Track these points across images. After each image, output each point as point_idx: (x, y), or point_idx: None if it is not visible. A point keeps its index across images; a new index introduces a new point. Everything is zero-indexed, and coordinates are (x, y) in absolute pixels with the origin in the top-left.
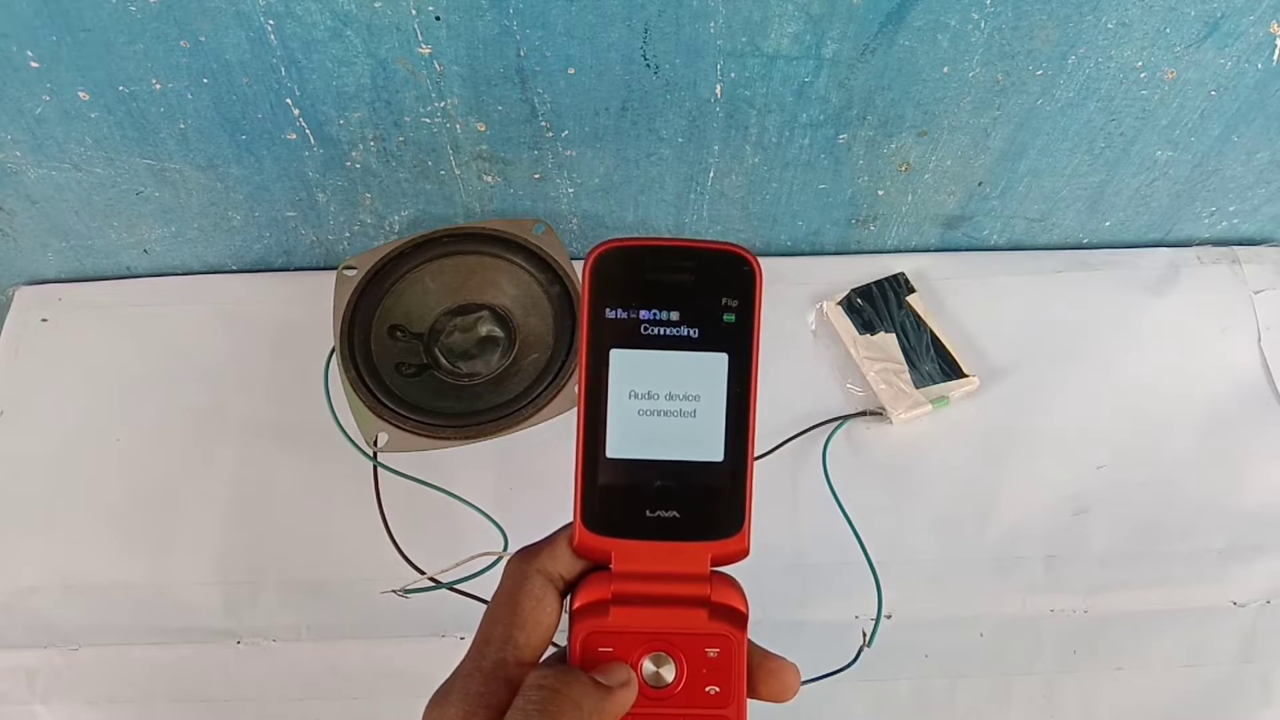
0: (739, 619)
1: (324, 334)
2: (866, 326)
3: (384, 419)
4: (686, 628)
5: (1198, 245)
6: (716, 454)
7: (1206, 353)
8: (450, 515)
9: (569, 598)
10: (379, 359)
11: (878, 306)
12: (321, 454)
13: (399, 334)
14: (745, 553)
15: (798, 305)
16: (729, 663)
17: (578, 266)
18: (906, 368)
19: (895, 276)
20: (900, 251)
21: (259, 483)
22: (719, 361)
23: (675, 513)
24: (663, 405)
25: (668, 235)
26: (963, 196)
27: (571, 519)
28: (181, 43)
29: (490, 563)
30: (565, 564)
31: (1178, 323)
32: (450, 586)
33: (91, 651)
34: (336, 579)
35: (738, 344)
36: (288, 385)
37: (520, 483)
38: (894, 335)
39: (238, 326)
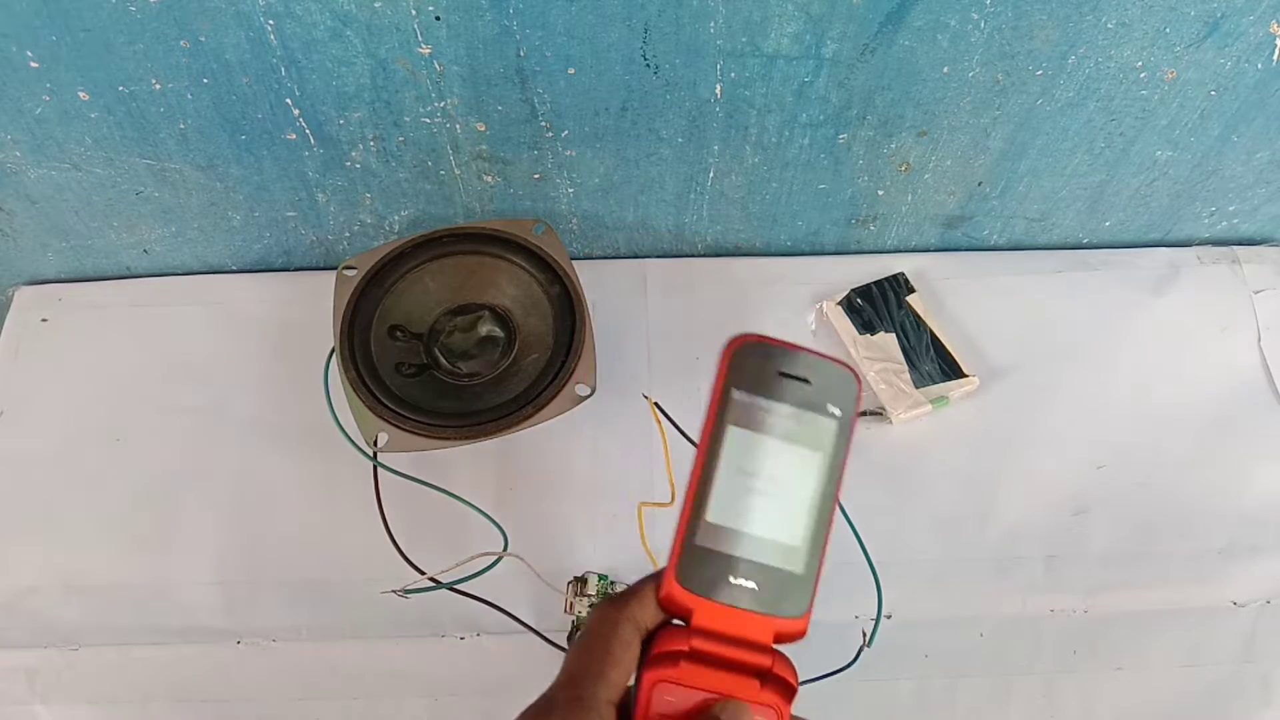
0: (788, 692)
1: (324, 334)
2: (866, 326)
3: (384, 419)
4: (742, 693)
5: (1198, 245)
6: (797, 539)
7: (1206, 353)
8: (450, 515)
9: (645, 643)
10: (379, 359)
11: (878, 306)
12: (321, 454)
13: (399, 334)
14: (804, 634)
15: (797, 305)
16: None
17: (578, 266)
18: (906, 368)
19: (895, 276)
20: (900, 251)
21: (259, 483)
22: (817, 459)
23: (754, 584)
24: (762, 485)
25: (790, 339)
26: (963, 196)
27: (659, 570)
28: (181, 43)
29: (490, 563)
30: (650, 615)
31: (1178, 323)
32: (450, 587)
33: (92, 651)
34: (336, 579)
35: (835, 447)
36: (288, 385)
37: (520, 483)
38: (894, 335)
39: (238, 326)
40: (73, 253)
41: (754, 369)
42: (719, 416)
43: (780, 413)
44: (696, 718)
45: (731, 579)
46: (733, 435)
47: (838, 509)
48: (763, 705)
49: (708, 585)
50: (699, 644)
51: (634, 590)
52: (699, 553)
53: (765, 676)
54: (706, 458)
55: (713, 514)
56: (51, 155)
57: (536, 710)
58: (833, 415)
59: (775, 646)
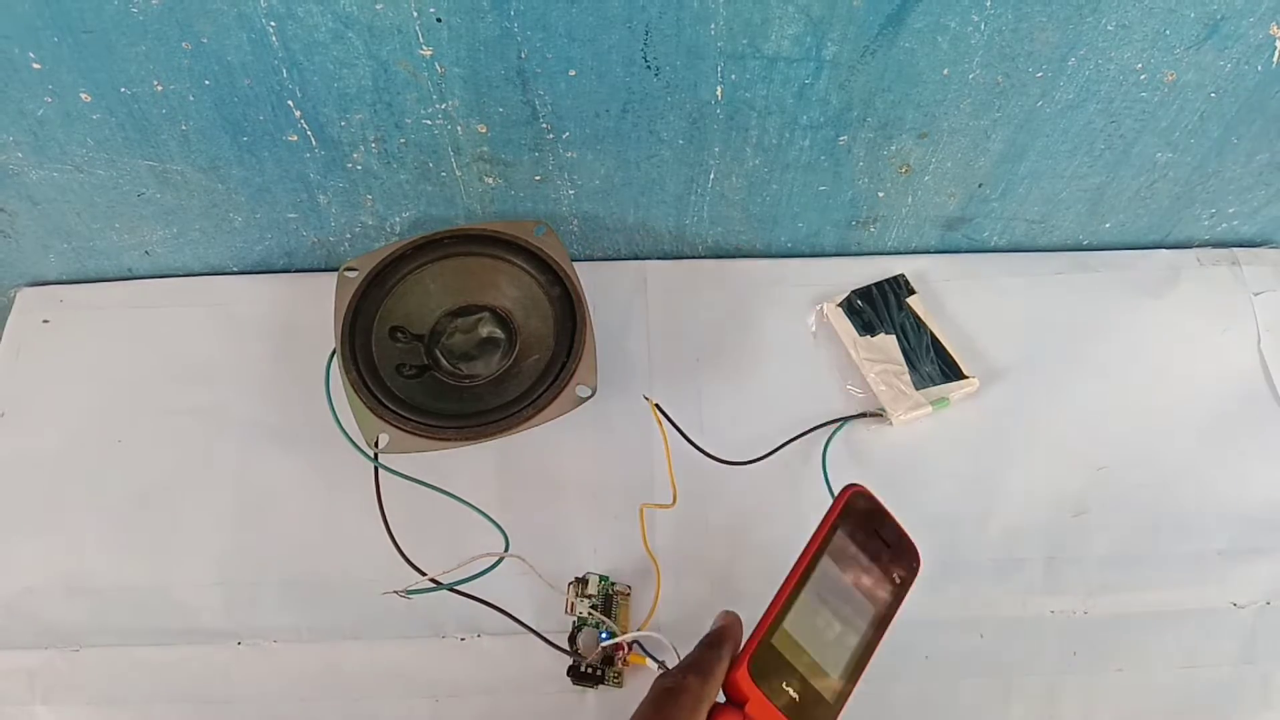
0: None
1: (325, 335)
2: (866, 328)
3: (385, 420)
4: None
5: (1197, 247)
6: (838, 670)
7: (1206, 354)
8: (451, 516)
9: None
10: (380, 360)
11: (878, 308)
12: (322, 455)
13: (400, 335)
14: None
15: (798, 307)
16: None
17: (578, 268)
18: (906, 369)
19: (895, 278)
20: (900, 253)
21: (260, 483)
22: (873, 612)
23: (796, 696)
24: (829, 617)
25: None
26: (963, 198)
27: (723, 652)
28: (183, 44)
29: (491, 563)
30: (715, 688)
31: (1178, 324)
32: (451, 588)
33: (92, 652)
34: (336, 579)
35: (889, 608)
36: (289, 386)
37: (521, 484)
38: (894, 337)
39: (239, 328)
40: (74, 254)
41: (858, 519)
42: (823, 545)
43: (862, 562)
44: None
45: (784, 684)
46: (824, 566)
47: (873, 654)
48: None
49: (767, 683)
50: None
51: (711, 670)
52: (770, 653)
53: None
54: (801, 575)
55: (790, 624)
56: (53, 157)
57: None
58: (896, 581)
59: None
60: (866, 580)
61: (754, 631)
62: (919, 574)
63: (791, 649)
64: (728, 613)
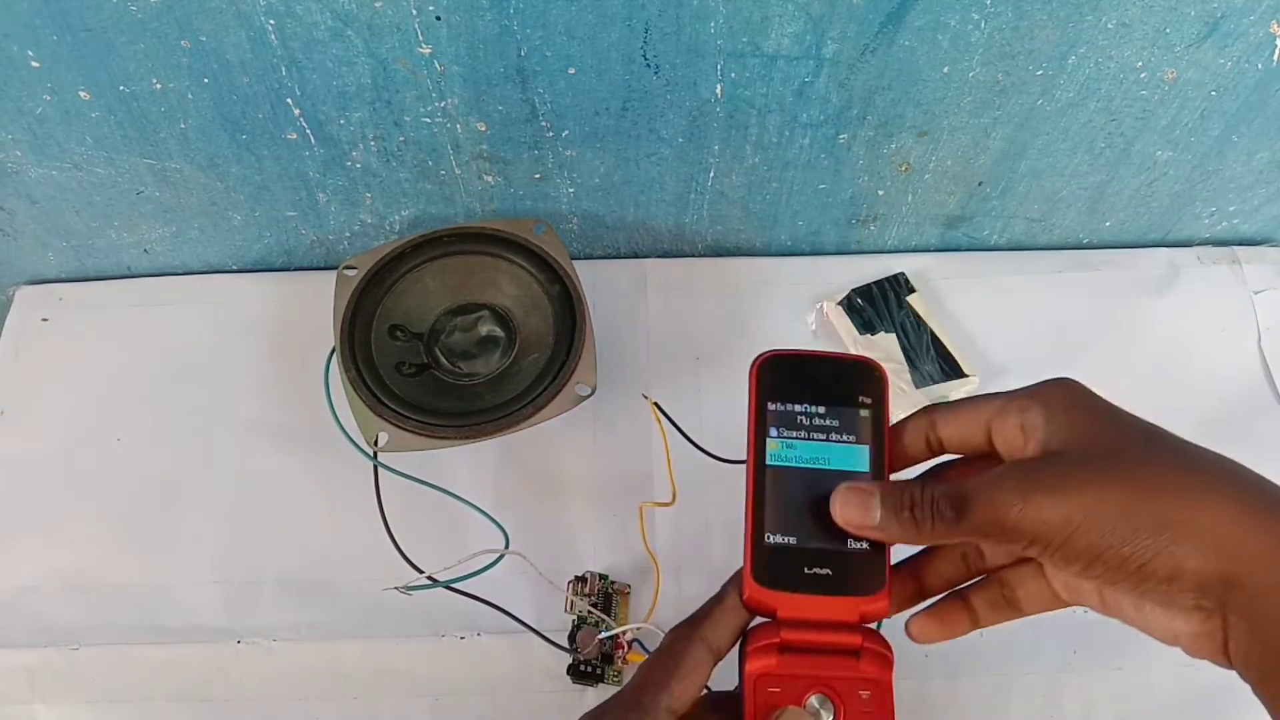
0: (885, 663)
1: (324, 334)
2: (867, 327)
3: (384, 419)
4: (842, 672)
5: (1198, 245)
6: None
7: (1206, 353)
8: (451, 515)
9: (740, 644)
10: (379, 359)
11: (878, 306)
12: (322, 454)
13: (399, 334)
14: (886, 611)
15: (798, 305)
16: (880, 702)
17: (578, 266)
18: (907, 368)
19: (895, 276)
20: (900, 251)
21: (259, 482)
22: (861, 448)
23: (828, 570)
24: (813, 481)
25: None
26: (963, 196)
27: (724, 591)
28: (182, 43)
29: (491, 561)
30: (723, 636)
31: (1178, 323)
32: (450, 585)
33: (92, 651)
34: (336, 579)
35: (875, 432)
36: (288, 385)
37: (520, 482)
38: (894, 335)
39: (238, 326)
40: (73, 252)
41: (781, 380)
42: (759, 427)
43: (815, 413)
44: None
45: (805, 570)
46: (777, 441)
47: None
48: (863, 679)
49: (784, 580)
50: (789, 635)
51: (707, 613)
52: (769, 552)
53: (859, 654)
54: (756, 466)
55: (772, 515)
56: (52, 155)
57: (599, 709)
58: (865, 404)
59: (865, 625)
60: (831, 424)
61: (744, 546)
62: (885, 381)
63: (793, 535)
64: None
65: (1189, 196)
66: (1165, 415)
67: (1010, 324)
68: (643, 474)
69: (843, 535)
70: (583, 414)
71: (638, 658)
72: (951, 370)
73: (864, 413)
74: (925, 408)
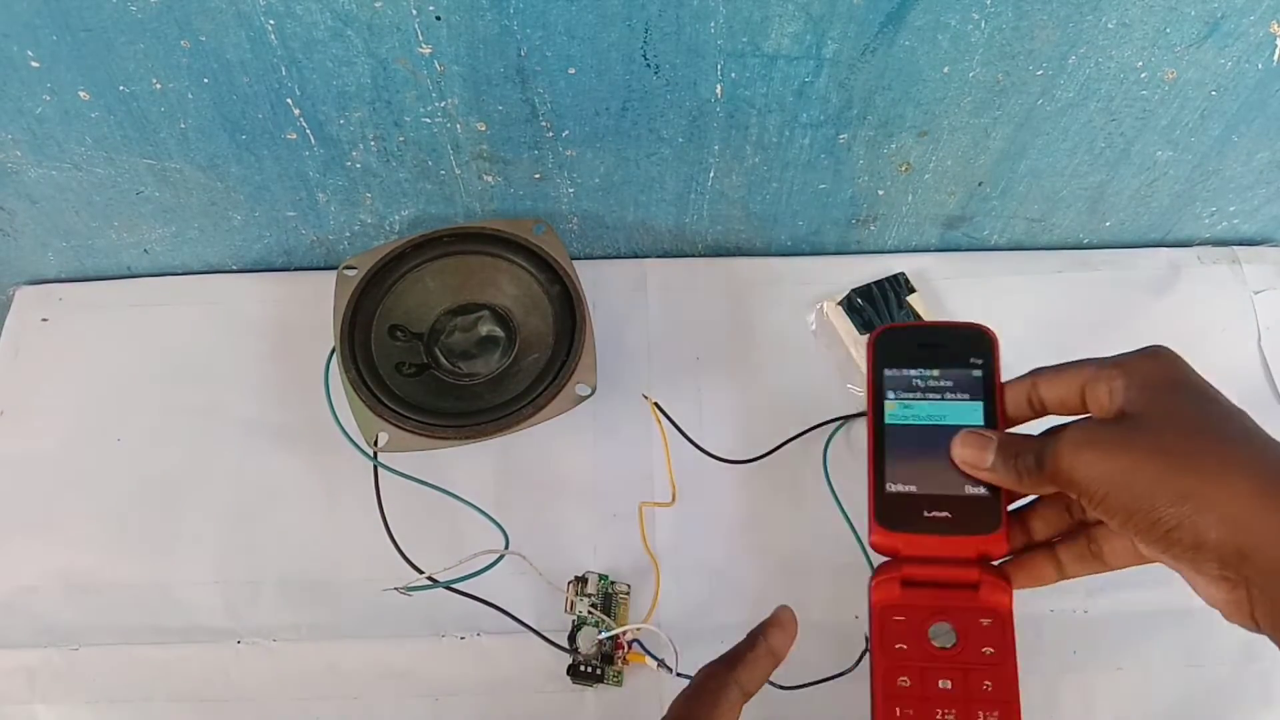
0: (1004, 592)
1: (324, 334)
2: (867, 326)
3: (384, 419)
4: (962, 603)
5: (1198, 245)
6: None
7: (1206, 353)
8: (451, 515)
9: (869, 580)
10: (379, 359)
11: (878, 306)
12: (322, 454)
13: (399, 334)
14: (1004, 549)
15: (798, 305)
16: (1001, 629)
17: (578, 266)
18: None
19: (895, 276)
20: (900, 251)
21: (259, 482)
22: (975, 403)
23: (947, 513)
24: (931, 434)
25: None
26: (963, 196)
27: (758, 632)
28: (182, 43)
29: (490, 562)
30: (755, 681)
31: (1178, 323)
32: (450, 586)
33: (92, 651)
34: (336, 579)
35: (986, 388)
36: (288, 385)
37: (520, 482)
38: None
39: (238, 326)
40: (73, 252)
41: (898, 348)
42: (877, 388)
43: (929, 375)
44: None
45: (926, 513)
46: (895, 403)
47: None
48: (983, 608)
49: (906, 523)
50: (910, 571)
51: (741, 656)
52: (891, 499)
53: (978, 586)
54: (876, 425)
55: (893, 466)
56: (52, 155)
57: None
58: (975, 365)
59: (983, 561)
60: (944, 384)
61: (868, 496)
62: (996, 343)
63: (912, 483)
64: (783, 607)
65: (1189, 196)
66: None
67: (1010, 324)
68: (643, 474)
69: (959, 482)
70: (583, 414)
71: (638, 658)
72: None
73: (975, 373)
74: (1031, 370)
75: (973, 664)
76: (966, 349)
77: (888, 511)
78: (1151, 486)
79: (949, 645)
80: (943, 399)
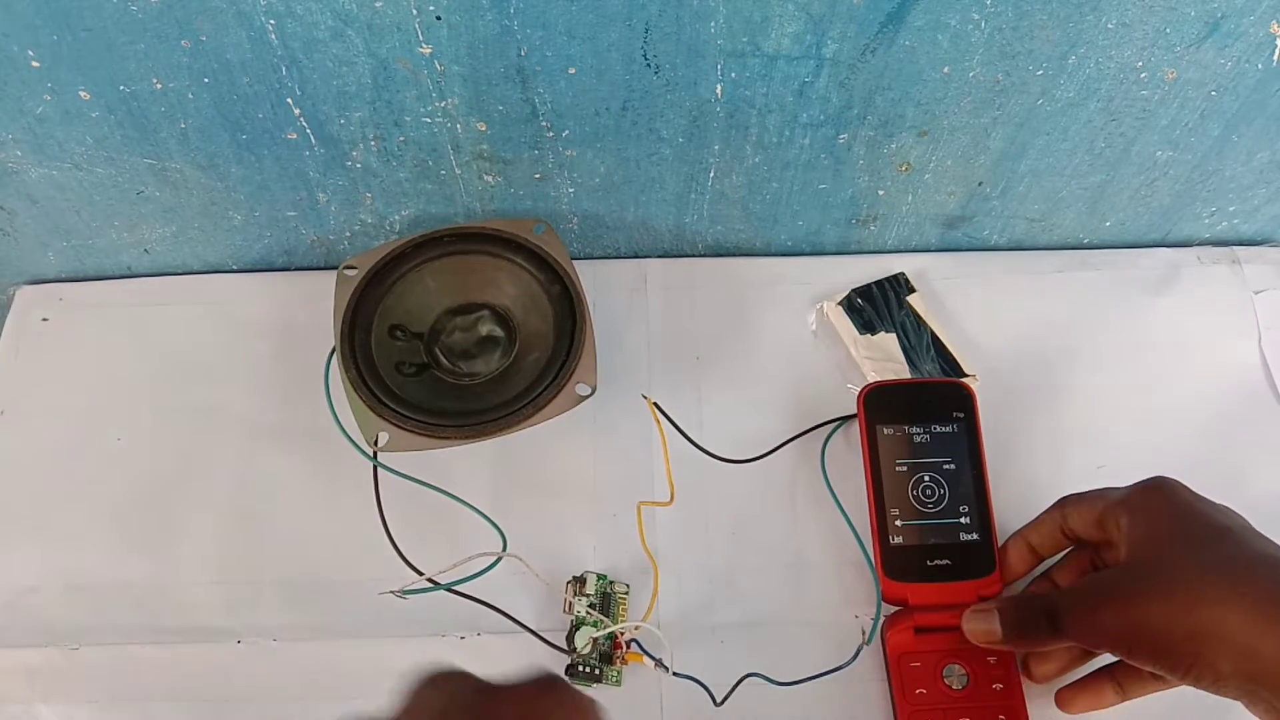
0: None
1: (324, 334)
2: (867, 326)
3: (384, 419)
4: (970, 644)
5: (1198, 245)
6: (966, 517)
7: (1206, 353)
8: (450, 515)
9: (881, 629)
10: (379, 358)
11: (878, 306)
12: (321, 453)
13: (399, 334)
14: (1000, 587)
15: (798, 305)
16: (1005, 664)
17: (578, 266)
18: (907, 368)
19: (895, 276)
20: (900, 251)
21: (259, 482)
22: (958, 455)
23: (948, 561)
24: (924, 487)
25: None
26: (963, 196)
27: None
28: (182, 42)
29: (487, 565)
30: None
31: (1178, 323)
32: (448, 588)
33: (92, 651)
34: (337, 579)
35: (968, 440)
36: (288, 385)
37: (520, 482)
38: (894, 335)
39: (238, 326)
40: (74, 252)
41: (884, 405)
42: (872, 447)
43: (916, 432)
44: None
45: (929, 563)
46: (888, 458)
47: (989, 482)
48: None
49: (912, 573)
50: (921, 619)
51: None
52: (895, 552)
53: None
54: (874, 480)
55: (894, 520)
56: (52, 155)
57: None
58: (957, 418)
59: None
60: (931, 440)
61: (872, 547)
62: (976, 388)
63: (914, 536)
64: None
65: (1189, 196)
66: (1165, 415)
67: (1010, 324)
68: (642, 474)
69: (955, 530)
70: (583, 414)
71: (636, 658)
72: (952, 370)
73: (958, 424)
74: (1058, 501)
75: (986, 700)
76: (946, 403)
77: (894, 563)
78: (1164, 633)
79: (963, 686)
80: (930, 449)
